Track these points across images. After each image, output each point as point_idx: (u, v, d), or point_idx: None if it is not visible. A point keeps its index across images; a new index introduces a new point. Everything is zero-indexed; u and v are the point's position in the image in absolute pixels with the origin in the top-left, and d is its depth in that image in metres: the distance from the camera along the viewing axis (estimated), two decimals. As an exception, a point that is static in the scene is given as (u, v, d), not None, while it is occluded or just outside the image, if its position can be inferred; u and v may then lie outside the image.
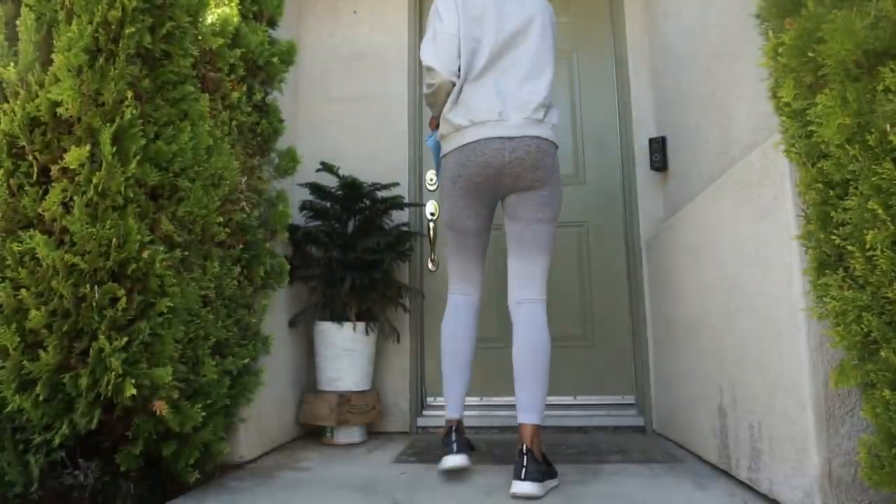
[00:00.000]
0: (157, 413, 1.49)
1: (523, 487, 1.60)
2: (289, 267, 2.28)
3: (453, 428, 1.87)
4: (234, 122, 1.97)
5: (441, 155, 1.98)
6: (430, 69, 1.90)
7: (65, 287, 1.40)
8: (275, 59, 2.20)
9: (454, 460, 1.79)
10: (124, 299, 1.44)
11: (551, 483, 1.71)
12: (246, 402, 1.95)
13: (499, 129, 1.81)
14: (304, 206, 2.66)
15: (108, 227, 1.42)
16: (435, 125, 2.12)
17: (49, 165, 1.46)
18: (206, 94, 1.78)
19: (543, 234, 1.86)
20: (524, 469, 1.62)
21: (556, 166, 1.89)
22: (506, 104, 1.83)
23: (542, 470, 1.65)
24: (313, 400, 2.51)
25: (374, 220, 2.68)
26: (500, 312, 2.90)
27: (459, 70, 1.87)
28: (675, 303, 2.33)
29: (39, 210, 1.44)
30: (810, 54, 1.12)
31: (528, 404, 1.73)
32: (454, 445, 1.81)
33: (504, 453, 2.25)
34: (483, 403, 2.83)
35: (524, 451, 1.65)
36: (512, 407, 2.43)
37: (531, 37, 1.89)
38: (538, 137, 1.82)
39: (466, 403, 2.39)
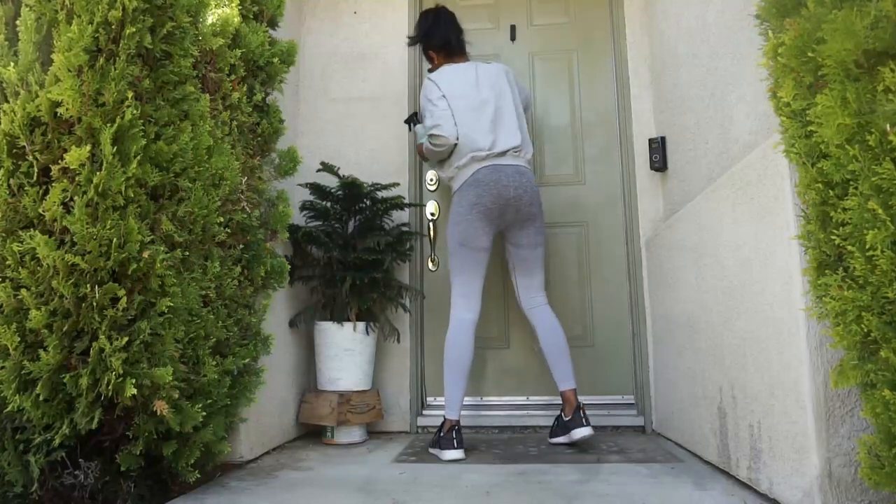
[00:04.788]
0: (158, 413, 1.49)
1: (587, 430, 2.19)
2: (289, 267, 2.28)
3: (455, 427, 2.20)
4: (234, 123, 1.97)
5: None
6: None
7: (65, 287, 1.40)
8: (275, 60, 2.20)
9: (457, 454, 2.15)
10: (125, 299, 1.44)
11: None
12: (246, 402, 1.95)
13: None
14: (304, 206, 2.66)
15: (108, 227, 1.42)
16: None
17: (49, 165, 1.47)
18: (207, 95, 1.78)
19: (540, 255, 2.42)
20: (583, 418, 2.20)
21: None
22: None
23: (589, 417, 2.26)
24: (314, 400, 2.51)
25: (374, 220, 2.68)
26: (500, 313, 2.90)
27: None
28: (675, 303, 2.33)
29: (40, 210, 1.44)
30: (810, 54, 1.12)
31: (564, 375, 2.29)
32: (455, 441, 2.17)
33: (504, 452, 2.25)
34: (483, 403, 2.83)
35: (579, 406, 2.23)
36: (513, 407, 2.64)
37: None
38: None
39: (466, 403, 2.81)
